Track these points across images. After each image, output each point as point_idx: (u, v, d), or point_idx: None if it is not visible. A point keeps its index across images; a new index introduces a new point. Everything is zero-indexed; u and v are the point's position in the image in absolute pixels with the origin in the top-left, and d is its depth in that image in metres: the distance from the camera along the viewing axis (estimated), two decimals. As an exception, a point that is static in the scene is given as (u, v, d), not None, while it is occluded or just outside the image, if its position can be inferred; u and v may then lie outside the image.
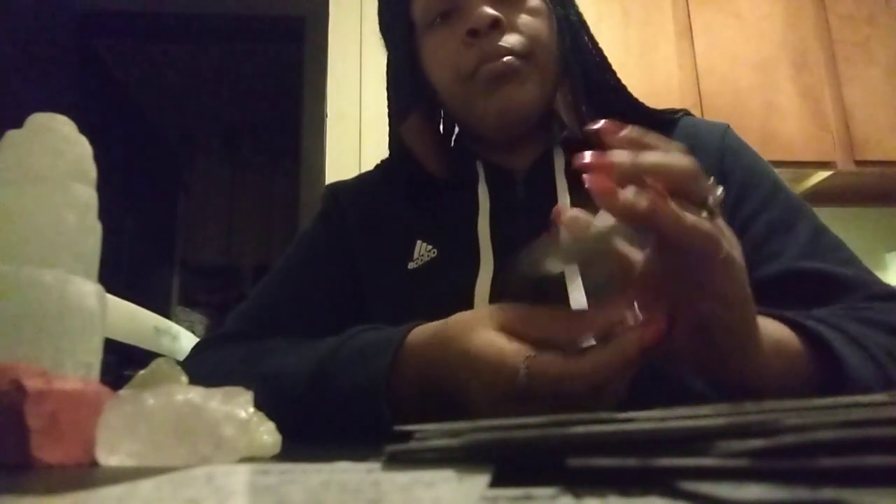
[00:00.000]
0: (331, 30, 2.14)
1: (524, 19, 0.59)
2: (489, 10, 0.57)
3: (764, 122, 1.98)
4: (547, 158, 0.63)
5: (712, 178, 0.35)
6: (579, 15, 0.64)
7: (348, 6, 2.17)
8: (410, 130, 0.66)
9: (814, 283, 0.53)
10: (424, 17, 0.62)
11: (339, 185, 0.75)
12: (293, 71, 2.36)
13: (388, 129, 0.69)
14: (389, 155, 0.70)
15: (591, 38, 0.64)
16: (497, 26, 0.57)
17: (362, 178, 0.75)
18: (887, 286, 0.55)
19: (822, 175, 2.04)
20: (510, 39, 0.58)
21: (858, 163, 1.99)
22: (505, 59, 0.57)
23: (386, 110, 0.71)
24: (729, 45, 2.04)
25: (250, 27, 2.37)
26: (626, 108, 0.65)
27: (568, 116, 0.62)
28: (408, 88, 0.66)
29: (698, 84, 1.99)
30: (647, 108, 0.66)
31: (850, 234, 2.22)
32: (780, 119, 1.99)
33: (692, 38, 2.03)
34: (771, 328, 0.40)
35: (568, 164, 0.63)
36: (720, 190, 0.35)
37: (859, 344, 0.42)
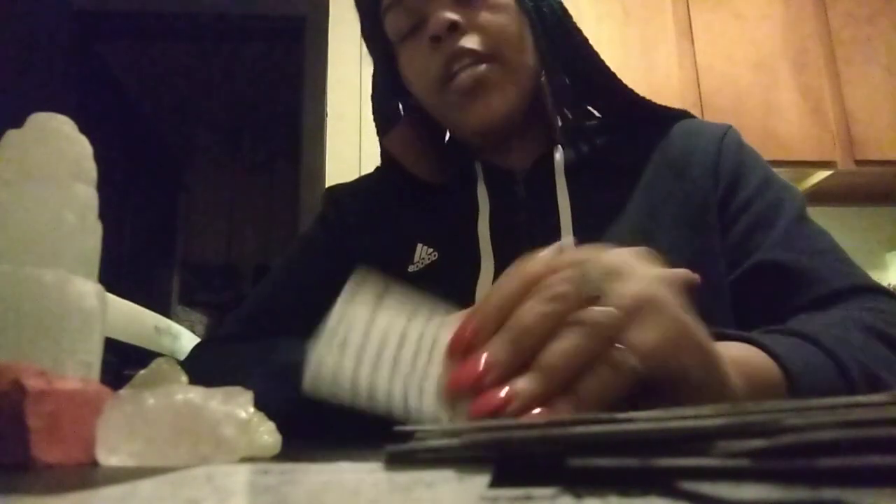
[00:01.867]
0: (331, 30, 2.14)
1: (486, 18, 0.58)
2: (446, 15, 0.57)
3: (764, 122, 1.98)
4: (547, 157, 0.63)
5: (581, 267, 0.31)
6: (554, 6, 0.62)
7: (348, 6, 2.16)
8: (395, 141, 0.66)
9: (777, 276, 0.53)
10: (395, 33, 0.62)
11: (339, 188, 0.75)
12: (293, 71, 2.36)
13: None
14: (381, 164, 0.70)
15: (574, 28, 0.63)
16: (456, 29, 0.57)
17: (362, 181, 0.75)
18: (863, 278, 0.54)
19: (822, 175, 2.04)
20: (472, 40, 0.58)
21: (858, 162, 1.99)
22: (470, 70, 0.57)
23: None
24: (729, 44, 2.04)
25: (250, 27, 2.37)
26: (620, 99, 0.64)
27: (552, 115, 0.62)
28: (388, 104, 0.67)
29: (698, 83, 1.99)
30: (645, 100, 0.65)
31: (850, 234, 2.23)
32: (780, 118, 1.99)
33: (692, 37, 2.03)
34: (736, 354, 0.38)
35: (568, 162, 0.63)
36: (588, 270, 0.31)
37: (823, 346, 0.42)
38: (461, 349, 0.30)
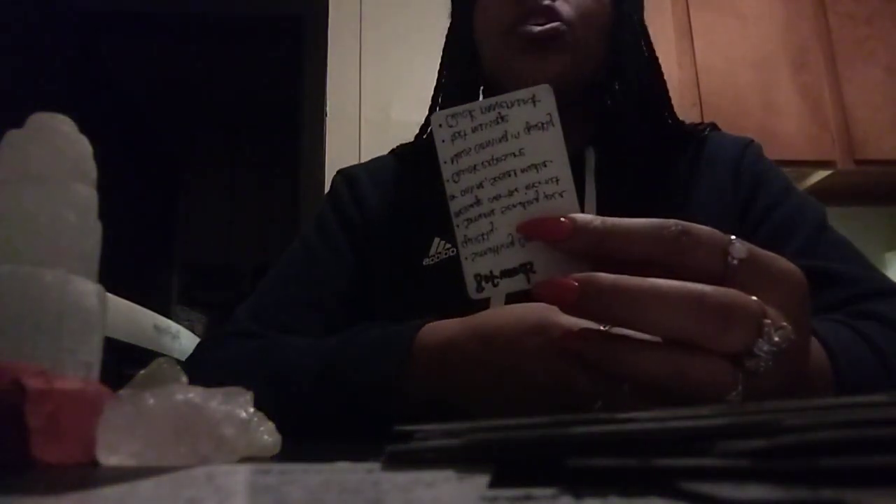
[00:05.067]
0: (330, 29, 2.14)
1: None
2: None
3: (763, 122, 1.98)
4: (578, 158, 0.63)
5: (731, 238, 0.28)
6: (642, 20, 0.65)
7: (348, 6, 2.17)
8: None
9: (807, 279, 0.53)
10: None
11: (353, 171, 0.72)
12: (292, 70, 2.35)
13: (426, 109, 0.68)
14: (420, 137, 0.69)
15: (650, 44, 0.65)
16: None
17: (376, 165, 0.73)
18: (888, 282, 0.54)
19: (821, 174, 2.04)
20: (556, 3, 0.59)
21: (858, 162, 1.99)
22: (549, 25, 0.58)
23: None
24: (729, 44, 2.04)
25: (250, 27, 2.37)
26: (664, 118, 0.65)
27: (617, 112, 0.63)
28: (465, 59, 0.66)
29: (698, 83, 1.99)
30: (682, 122, 0.67)
31: (850, 233, 2.21)
32: (779, 118, 1.99)
33: (692, 37, 2.03)
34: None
35: (599, 164, 0.63)
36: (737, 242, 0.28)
37: (854, 330, 0.42)
38: (558, 234, 0.29)
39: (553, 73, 0.59)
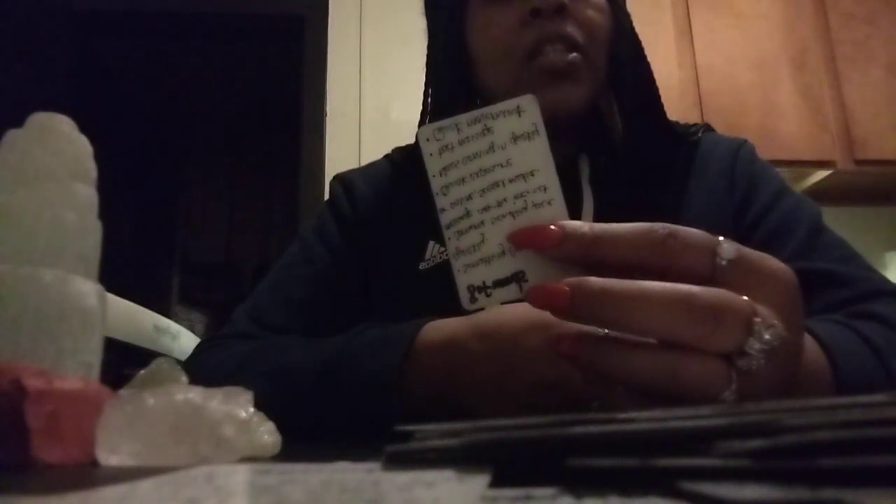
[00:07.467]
0: (330, 29, 2.14)
1: (588, 14, 0.59)
2: None
3: (763, 122, 1.98)
4: (573, 165, 0.63)
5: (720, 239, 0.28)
6: (633, 27, 0.64)
7: (348, 6, 2.17)
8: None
9: (805, 281, 0.53)
10: None
11: (349, 176, 0.73)
12: (293, 71, 2.36)
13: (418, 119, 0.66)
14: (414, 148, 0.69)
15: (642, 50, 0.65)
16: (562, 12, 0.57)
17: (372, 170, 0.73)
18: (886, 282, 0.54)
19: (821, 174, 2.04)
20: (573, 28, 0.57)
21: (858, 162, 1.99)
22: (569, 56, 0.57)
23: (413, 104, 0.69)
24: (728, 44, 2.04)
25: (250, 27, 2.37)
26: (658, 122, 0.65)
27: (615, 123, 0.63)
28: (455, 74, 0.64)
29: (698, 83, 1.99)
30: (676, 124, 0.67)
31: (850, 233, 2.21)
32: (779, 118, 2.00)
33: (692, 37, 2.03)
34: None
35: (594, 171, 0.62)
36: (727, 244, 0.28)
37: (857, 333, 0.42)
38: (547, 242, 0.29)
39: (573, 105, 0.59)
